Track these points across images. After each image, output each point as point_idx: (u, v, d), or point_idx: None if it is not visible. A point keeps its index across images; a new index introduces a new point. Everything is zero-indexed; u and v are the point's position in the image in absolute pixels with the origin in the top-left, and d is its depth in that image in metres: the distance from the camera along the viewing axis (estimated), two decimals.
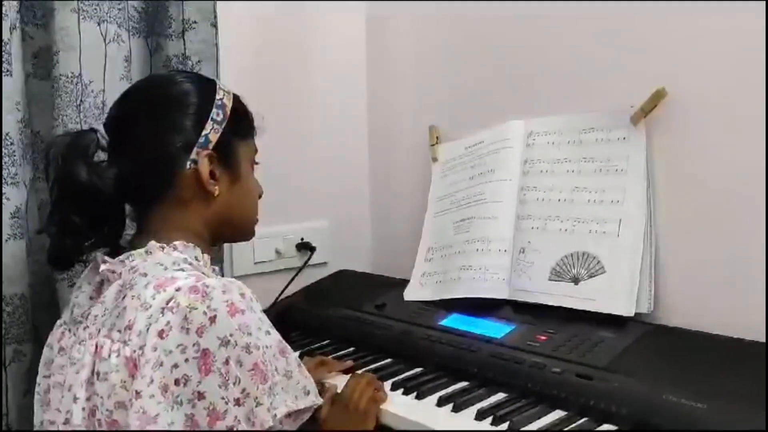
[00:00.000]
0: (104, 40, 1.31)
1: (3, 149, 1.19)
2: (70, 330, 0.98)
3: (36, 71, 1.30)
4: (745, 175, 1.17)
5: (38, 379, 1.02)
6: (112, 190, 0.96)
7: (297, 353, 1.36)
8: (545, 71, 1.46)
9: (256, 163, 1.11)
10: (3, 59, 1.18)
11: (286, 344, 0.94)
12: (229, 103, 1.04)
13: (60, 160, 0.95)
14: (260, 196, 1.12)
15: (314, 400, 0.94)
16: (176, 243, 0.96)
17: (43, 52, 1.29)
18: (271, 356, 0.89)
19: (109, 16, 1.31)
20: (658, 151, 1.27)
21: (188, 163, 0.98)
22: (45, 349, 1.02)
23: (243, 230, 1.12)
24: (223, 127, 1.01)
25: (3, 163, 1.19)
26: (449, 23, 1.66)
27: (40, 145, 1.31)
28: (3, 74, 1.18)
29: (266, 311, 1.55)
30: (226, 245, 1.58)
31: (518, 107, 1.49)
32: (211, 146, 1.00)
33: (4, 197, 1.19)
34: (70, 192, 0.96)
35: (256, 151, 1.10)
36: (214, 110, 1.01)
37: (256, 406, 0.85)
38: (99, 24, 1.29)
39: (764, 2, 1.12)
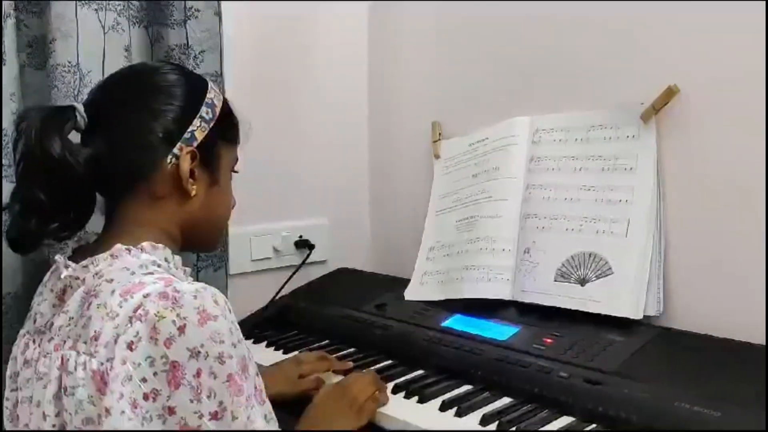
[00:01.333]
0: (103, 28, 1.28)
1: None
2: (34, 341, 0.92)
3: (31, 61, 1.26)
4: (758, 176, 1.15)
5: (6, 394, 0.96)
6: (83, 171, 0.90)
7: (296, 353, 1.36)
8: (552, 66, 1.43)
9: (235, 172, 1.06)
10: None
11: (251, 363, 0.87)
12: (219, 104, 1.00)
13: (33, 133, 0.89)
14: (232, 207, 1.08)
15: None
16: (144, 244, 0.91)
17: (38, 41, 1.26)
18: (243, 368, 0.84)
19: (109, 4, 1.28)
20: (669, 149, 1.25)
21: (169, 156, 0.94)
22: (10, 362, 0.97)
23: (209, 239, 1.08)
24: (210, 126, 0.97)
25: None
26: (452, 17, 1.64)
27: None
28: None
29: (263, 309, 1.55)
30: None
31: (524, 103, 1.47)
32: (195, 144, 0.95)
33: None
34: (40, 167, 0.89)
35: (237, 159, 1.06)
36: (204, 108, 0.97)
37: (232, 420, 0.81)
38: (98, 11, 1.27)
39: None
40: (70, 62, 1.23)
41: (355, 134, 1.87)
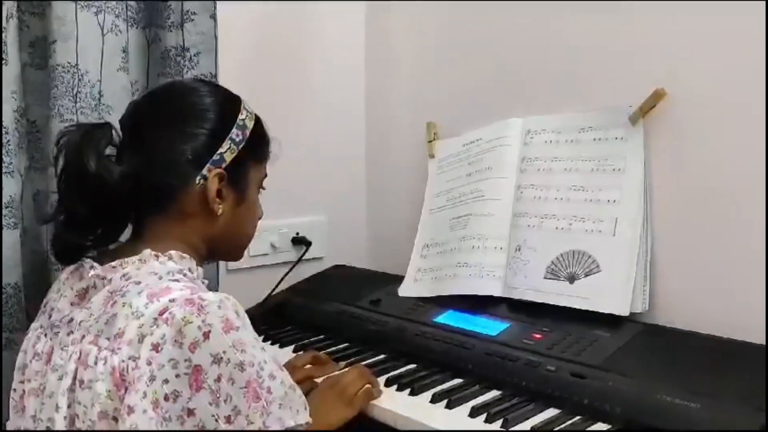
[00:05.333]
0: (102, 30, 1.31)
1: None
2: (46, 335, 0.95)
3: (32, 60, 1.30)
4: (743, 177, 1.17)
5: (13, 384, 0.99)
6: (117, 187, 0.93)
7: (291, 347, 1.38)
8: (544, 69, 1.46)
9: (263, 188, 1.10)
10: (0, 48, 1.18)
11: (279, 362, 0.92)
12: (250, 125, 1.03)
13: (72, 149, 0.93)
14: (260, 218, 1.11)
15: (308, 418, 0.93)
16: (171, 253, 0.95)
17: (39, 41, 1.29)
18: (268, 374, 0.87)
19: (107, 6, 1.31)
20: (656, 151, 1.27)
21: (198, 178, 0.97)
22: (20, 354, 1.00)
23: (235, 251, 1.11)
24: (240, 147, 1.00)
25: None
26: (448, 21, 1.66)
27: (35, 134, 1.31)
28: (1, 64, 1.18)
29: (260, 305, 1.58)
30: None
31: (516, 105, 1.49)
32: (224, 165, 0.98)
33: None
34: (78, 181, 0.94)
35: (265, 175, 1.10)
36: (234, 130, 1.00)
37: (247, 425, 0.84)
38: (97, 14, 1.30)
39: (764, 2, 1.12)
40: (69, 62, 1.27)
41: (352, 134, 1.89)
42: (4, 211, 1.20)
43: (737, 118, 1.18)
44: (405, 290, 1.52)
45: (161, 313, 0.83)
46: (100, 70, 1.31)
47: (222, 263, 1.60)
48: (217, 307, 0.85)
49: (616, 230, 1.27)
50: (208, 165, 0.97)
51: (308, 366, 1.25)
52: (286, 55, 1.73)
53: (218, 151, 0.98)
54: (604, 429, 0.98)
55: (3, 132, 1.20)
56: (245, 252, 1.14)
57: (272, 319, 1.55)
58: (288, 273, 1.68)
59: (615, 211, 1.28)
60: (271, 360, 0.90)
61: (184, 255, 0.96)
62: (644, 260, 1.25)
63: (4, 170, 1.20)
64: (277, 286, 1.65)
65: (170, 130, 0.98)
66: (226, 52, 1.48)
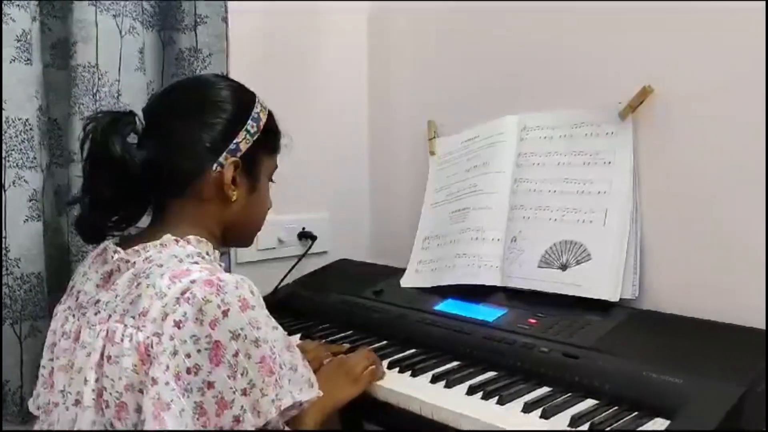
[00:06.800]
0: (120, 32, 1.37)
1: (23, 134, 1.25)
2: (74, 315, 1.00)
3: (54, 61, 1.36)
4: (726, 168, 1.23)
5: (42, 362, 1.05)
6: (140, 171, 0.99)
7: (298, 336, 1.44)
8: (540, 69, 1.52)
9: (273, 181, 1.16)
10: (23, 49, 1.24)
11: (291, 340, 0.99)
12: (264, 118, 1.09)
13: (99, 134, 0.99)
14: (269, 209, 1.17)
15: (318, 392, 0.99)
16: (189, 237, 1.00)
17: (61, 43, 1.35)
18: (279, 350, 0.93)
19: (125, 10, 1.38)
20: (644, 144, 1.33)
21: (215, 165, 1.03)
22: (48, 334, 1.05)
23: (245, 238, 1.17)
24: (254, 139, 1.07)
25: (23, 148, 1.26)
26: (447, 25, 1.73)
27: (57, 131, 1.38)
28: (24, 63, 1.25)
29: (268, 296, 1.63)
30: None
31: (513, 103, 1.55)
32: (239, 155, 1.04)
33: (23, 180, 1.26)
34: (104, 165, 0.99)
35: (276, 167, 1.16)
36: (250, 122, 1.06)
37: (261, 397, 0.90)
38: (115, 17, 1.36)
39: (752, 1, 1.18)
40: (89, 63, 1.33)
41: (356, 133, 1.95)
42: (28, 204, 1.26)
43: (720, 112, 1.24)
44: (407, 281, 1.58)
45: (183, 293, 0.89)
46: (119, 70, 1.37)
47: (233, 257, 1.67)
48: (235, 287, 0.90)
49: (606, 220, 1.33)
50: (224, 153, 1.03)
51: (316, 347, 1.31)
52: (291, 56, 1.79)
53: (234, 141, 1.04)
54: (594, 404, 1.04)
55: (28, 128, 1.26)
56: (255, 242, 1.20)
57: (279, 309, 1.59)
58: (294, 266, 1.74)
59: (605, 202, 1.34)
60: (282, 338, 0.96)
61: (201, 239, 1.02)
62: (634, 249, 1.30)
63: (28, 165, 1.26)
64: (284, 278, 1.71)
65: (190, 120, 1.03)
66: (234, 54, 1.54)
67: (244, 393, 0.89)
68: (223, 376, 0.87)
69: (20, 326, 1.28)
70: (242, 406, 0.88)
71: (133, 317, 0.90)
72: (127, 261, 0.97)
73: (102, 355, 0.91)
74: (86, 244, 1.08)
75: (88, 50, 1.32)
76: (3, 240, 1.24)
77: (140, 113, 1.07)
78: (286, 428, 0.97)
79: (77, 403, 0.92)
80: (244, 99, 1.09)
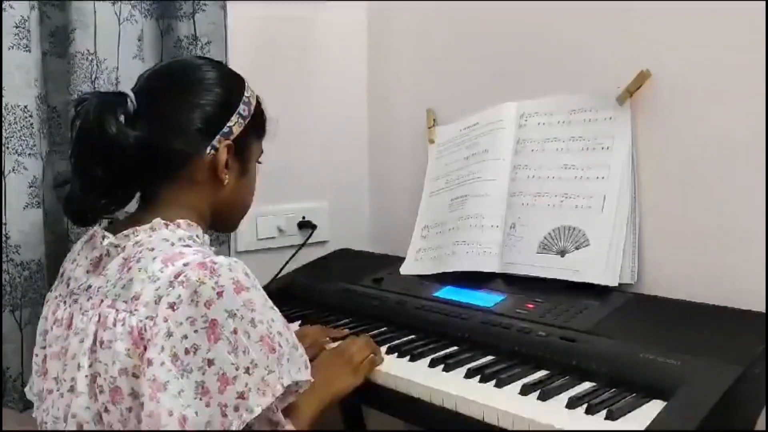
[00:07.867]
0: (118, 19, 1.37)
1: (23, 121, 1.26)
2: (65, 302, 0.99)
3: (53, 49, 1.36)
4: (724, 152, 1.23)
5: (35, 350, 1.04)
6: (133, 151, 0.98)
7: (297, 323, 1.45)
8: (538, 56, 1.52)
9: (260, 163, 1.16)
10: (22, 36, 1.25)
11: (286, 322, 0.98)
12: (254, 102, 1.09)
13: (91, 114, 0.97)
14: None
15: (309, 376, 0.98)
16: (179, 221, 0.99)
17: (59, 30, 1.36)
18: (276, 331, 0.93)
19: None
20: (642, 128, 1.33)
21: (209, 148, 1.03)
22: (41, 321, 1.05)
23: (233, 221, 1.17)
24: (246, 122, 1.07)
25: (22, 135, 1.26)
26: (446, 13, 1.72)
27: (56, 119, 1.38)
28: (22, 50, 1.25)
29: (268, 285, 1.64)
30: None
31: (512, 90, 1.55)
32: (232, 138, 1.04)
33: (22, 167, 1.26)
34: (97, 145, 0.97)
35: (262, 152, 1.16)
36: (242, 105, 1.06)
37: (268, 374, 0.89)
38: (114, 4, 1.36)
39: None
40: (88, 50, 1.33)
41: (355, 122, 1.95)
42: (28, 190, 1.27)
43: (718, 96, 1.24)
44: (406, 269, 1.58)
45: (176, 276, 0.88)
46: (117, 57, 1.37)
47: (232, 246, 1.67)
48: (228, 269, 0.90)
49: (604, 206, 1.33)
50: (218, 136, 1.03)
51: (315, 331, 1.32)
52: (290, 44, 1.79)
53: (227, 124, 1.04)
54: (591, 386, 1.04)
55: (28, 115, 1.26)
56: (255, 231, 1.20)
57: (279, 298, 1.59)
58: (294, 255, 1.75)
59: (603, 188, 1.34)
60: (278, 319, 0.95)
61: (192, 223, 1.01)
62: (632, 234, 1.30)
63: (28, 152, 1.27)
64: (283, 267, 1.72)
65: (183, 101, 1.03)
66: (233, 42, 1.54)
67: (247, 371, 0.88)
68: (223, 352, 0.87)
69: (20, 313, 1.28)
70: (246, 384, 0.87)
71: (126, 302, 0.90)
72: (117, 246, 0.96)
73: (95, 340, 0.91)
74: (75, 225, 1.06)
75: (87, 38, 1.32)
76: (3, 227, 1.25)
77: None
78: (288, 427, 0.96)
79: (71, 389, 0.92)
80: (234, 82, 1.09)
